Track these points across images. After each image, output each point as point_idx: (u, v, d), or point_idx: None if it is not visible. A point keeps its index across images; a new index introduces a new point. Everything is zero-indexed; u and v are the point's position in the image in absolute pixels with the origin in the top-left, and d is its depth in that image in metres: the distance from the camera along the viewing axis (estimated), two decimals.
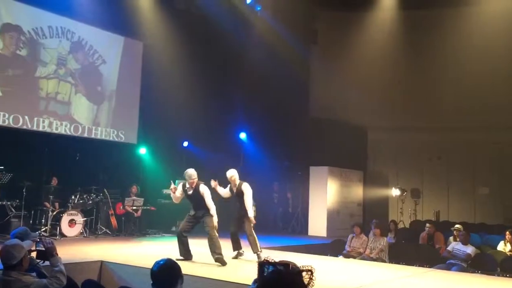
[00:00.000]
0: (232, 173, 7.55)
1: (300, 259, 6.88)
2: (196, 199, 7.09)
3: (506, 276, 7.46)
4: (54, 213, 10.00)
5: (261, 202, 13.27)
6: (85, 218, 10.32)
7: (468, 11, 13.48)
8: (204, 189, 7.05)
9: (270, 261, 1.83)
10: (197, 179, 7.09)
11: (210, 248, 6.92)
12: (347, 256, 8.97)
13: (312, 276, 1.76)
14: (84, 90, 12.05)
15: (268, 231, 13.08)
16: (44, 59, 11.29)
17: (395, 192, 14.37)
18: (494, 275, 7.59)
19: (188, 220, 7.20)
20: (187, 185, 7.14)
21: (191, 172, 7.09)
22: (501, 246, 8.90)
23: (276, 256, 1.94)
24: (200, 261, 7.04)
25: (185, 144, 13.61)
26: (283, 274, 1.69)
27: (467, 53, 13.50)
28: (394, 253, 9.00)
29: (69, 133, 11.59)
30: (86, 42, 12.08)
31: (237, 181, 7.57)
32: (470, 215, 13.39)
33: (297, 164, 14.27)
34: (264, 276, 1.71)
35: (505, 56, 12.97)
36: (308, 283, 1.72)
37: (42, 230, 9.64)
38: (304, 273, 1.74)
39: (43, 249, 4.05)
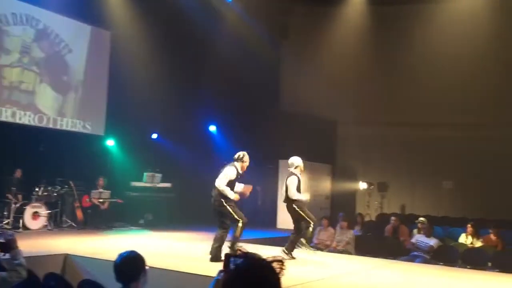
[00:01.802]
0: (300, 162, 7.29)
1: (268, 252, 6.93)
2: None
3: (466, 268, 7.69)
4: (17, 205, 9.75)
5: None
6: (49, 211, 10.09)
7: (436, 8, 13.73)
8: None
9: (235, 253, 1.86)
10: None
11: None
12: (315, 248, 9.07)
13: (283, 266, 1.80)
14: (49, 79, 11.75)
15: None
16: (8, 47, 10.95)
17: (362, 185, 14.59)
18: (455, 266, 7.81)
19: None
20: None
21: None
22: (463, 239, 9.17)
23: (245, 248, 1.98)
24: (170, 254, 6.98)
25: (154, 136, 13.46)
26: (255, 262, 1.73)
27: (434, 50, 13.77)
28: (360, 246, 9.15)
29: (33, 123, 11.30)
30: (52, 31, 11.76)
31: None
32: (434, 209, 13.70)
33: (266, 157, 14.32)
34: (237, 265, 1.75)
35: (471, 54, 13.28)
36: (279, 273, 1.75)
37: (4, 222, 9.41)
38: (275, 263, 1.78)
39: (3, 241, 3.96)
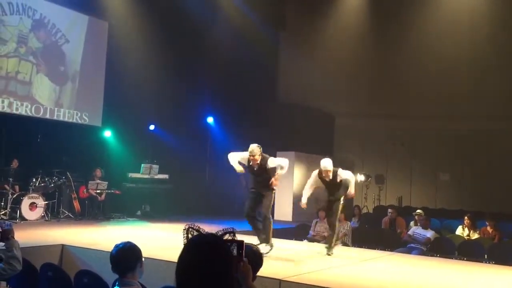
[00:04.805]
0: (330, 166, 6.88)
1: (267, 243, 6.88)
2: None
3: (463, 260, 7.71)
4: (14, 196, 9.72)
5: (229, 187, 13.31)
6: (46, 202, 10.08)
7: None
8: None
9: (194, 227, 2.00)
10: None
11: (262, 229, 6.63)
12: (312, 240, 9.09)
13: (235, 236, 1.95)
14: (46, 70, 11.69)
15: (235, 215, 13.12)
16: (4, 37, 10.88)
17: (360, 177, 14.59)
18: (452, 258, 7.82)
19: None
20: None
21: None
22: (460, 231, 9.19)
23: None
24: (166, 245, 6.99)
25: (152, 127, 13.42)
26: (206, 235, 1.84)
27: (432, 42, 13.73)
28: (358, 237, 9.16)
29: (30, 114, 11.25)
30: (49, 20, 11.68)
31: (331, 173, 6.95)
32: (431, 201, 13.74)
33: (264, 149, 14.28)
34: (190, 239, 1.86)
35: (468, 46, 13.25)
36: (231, 244, 1.91)
37: (1, 213, 9.39)
38: (226, 235, 1.94)
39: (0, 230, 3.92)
